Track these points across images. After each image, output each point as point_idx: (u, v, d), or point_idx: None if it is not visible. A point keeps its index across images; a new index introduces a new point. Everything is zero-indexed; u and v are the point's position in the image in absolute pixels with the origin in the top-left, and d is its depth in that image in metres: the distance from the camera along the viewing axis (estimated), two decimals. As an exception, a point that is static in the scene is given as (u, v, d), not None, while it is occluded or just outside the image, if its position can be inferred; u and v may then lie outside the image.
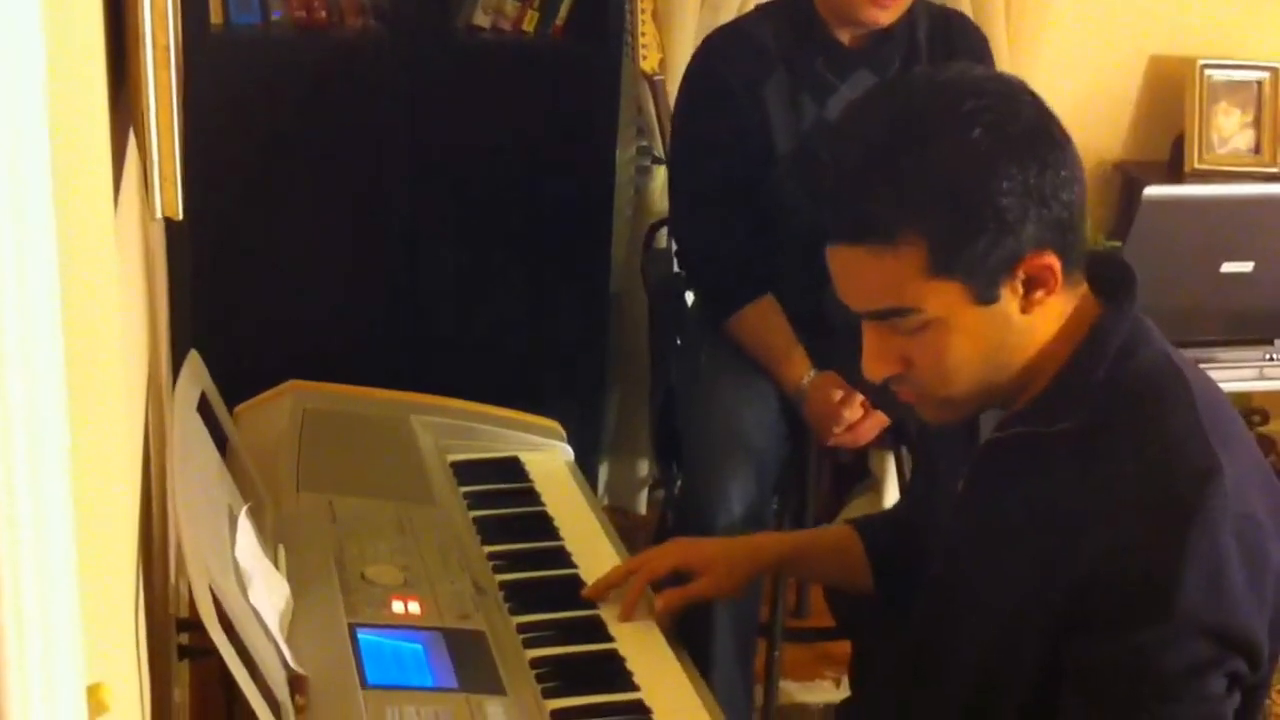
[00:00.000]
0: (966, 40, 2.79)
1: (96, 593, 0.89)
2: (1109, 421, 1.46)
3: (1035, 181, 1.40)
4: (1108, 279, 1.53)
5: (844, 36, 2.65)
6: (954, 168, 1.40)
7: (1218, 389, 1.54)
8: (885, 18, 2.59)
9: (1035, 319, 1.47)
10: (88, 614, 0.83)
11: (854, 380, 2.63)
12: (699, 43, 2.90)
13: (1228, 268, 3.11)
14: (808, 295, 2.68)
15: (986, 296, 1.44)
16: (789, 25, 2.67)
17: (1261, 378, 3.30)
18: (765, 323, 2.72)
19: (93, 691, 0.74)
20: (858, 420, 2.63)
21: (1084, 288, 1.51)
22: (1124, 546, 1.40)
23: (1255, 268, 3.12)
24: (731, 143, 2.67)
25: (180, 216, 1.37)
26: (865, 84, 2.59)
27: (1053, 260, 1.43)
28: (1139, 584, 1.39)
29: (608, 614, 1.82)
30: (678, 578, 1.87)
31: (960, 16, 2.92)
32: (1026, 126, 1.42)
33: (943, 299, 1.43)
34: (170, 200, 1.31)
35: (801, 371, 2.67)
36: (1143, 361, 1.49)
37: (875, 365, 1.52)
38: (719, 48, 2.75)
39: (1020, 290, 1.44)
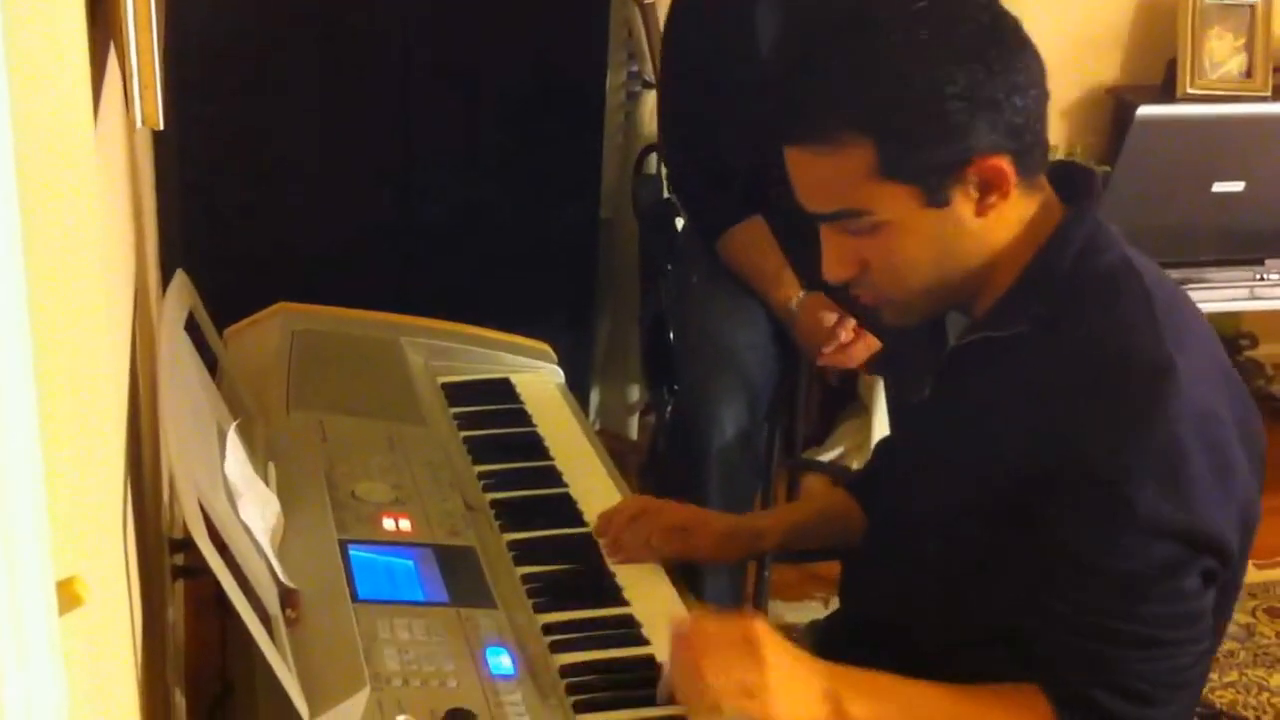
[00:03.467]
0: None
1: (72, 491, 0.88)
2: (1064, 319, 1.45)
3: (984, 85, 1.39)
4: (1072, 184, 1.53)
5: None
6: (899, 70, 1.39)
7: (1180, 292, 1.54)
8: None
9: (991, 222, 1.46)
10: (62, 509, 0.82)
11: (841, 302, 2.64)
12: None
13: (1219, 187, 3.10)
14: (796, 216, 2.67)
15: (938, 199, 1.43)
16: None
17: (1252, 297, 3.30)
18: (754, 244, 2.71)
19: (65, 584, 0.73)
20: (850, 341, 2.63)
21: (1046, 193, 1.50)
22: (1082, 440, 1.38)
23: (1246, 187, 3.11)
24: (719, 62, 2.64)
25: (161, 126, 1.35)
26: None
27: (1005, 164, 1.42)
28: (1099, 482, 1.37)
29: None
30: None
31: None
32: (976, 29, 1.41)
33: (893, 202, 1.43)
34: (151, 110, 1.29)
35: (791, 292, 2.66)
36: (1101, 264, 1.48)
37: (833, 267, 1.53)
38: None
39: (974, 194, 1.44)
